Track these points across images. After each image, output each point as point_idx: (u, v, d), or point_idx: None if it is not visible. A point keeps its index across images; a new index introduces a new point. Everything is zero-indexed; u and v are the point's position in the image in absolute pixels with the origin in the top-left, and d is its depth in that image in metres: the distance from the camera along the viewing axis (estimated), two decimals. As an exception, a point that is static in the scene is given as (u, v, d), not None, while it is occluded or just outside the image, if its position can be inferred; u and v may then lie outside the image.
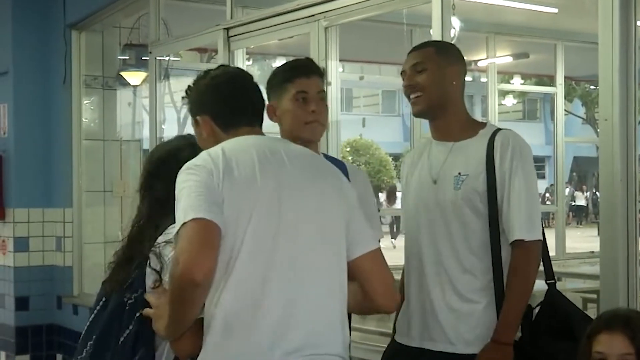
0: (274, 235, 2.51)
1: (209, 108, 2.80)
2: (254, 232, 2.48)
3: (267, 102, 3.01)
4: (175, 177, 2.59)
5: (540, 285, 3.23)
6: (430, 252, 3.25)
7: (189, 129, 3.02)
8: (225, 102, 2.79)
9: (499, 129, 3.21)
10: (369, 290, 2.69)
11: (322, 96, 3.31)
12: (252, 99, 2.83)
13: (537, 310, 3.20)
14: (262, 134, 2.80)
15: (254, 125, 2.79)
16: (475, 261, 3.16)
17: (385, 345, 3.57)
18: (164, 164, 2.98)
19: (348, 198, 2.72)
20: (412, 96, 3.30)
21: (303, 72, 3.29)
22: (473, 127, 3.28)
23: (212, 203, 2.45)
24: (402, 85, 3.35)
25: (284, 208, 2.54)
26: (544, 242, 3.19)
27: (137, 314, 2.78)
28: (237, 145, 2.65)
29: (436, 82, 3.25)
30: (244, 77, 2.88)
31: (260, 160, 2.58)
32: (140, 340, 2.80)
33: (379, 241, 2.87)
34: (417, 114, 3.41)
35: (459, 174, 3.17)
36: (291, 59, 3.45)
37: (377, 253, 2.72)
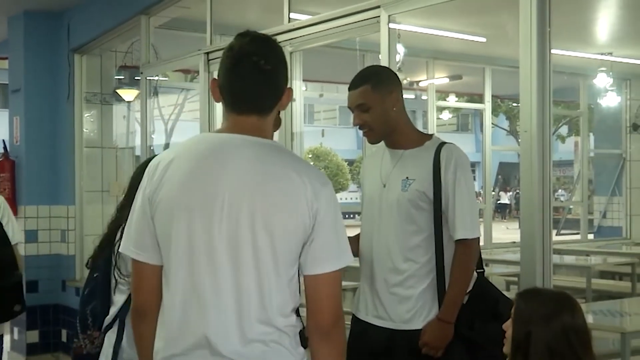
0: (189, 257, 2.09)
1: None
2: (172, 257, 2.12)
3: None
4: None
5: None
6: (379, 244, 3.24)
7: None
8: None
9: (443, 143, 3.19)
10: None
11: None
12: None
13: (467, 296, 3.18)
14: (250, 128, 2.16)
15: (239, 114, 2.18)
16: (418, 252, 3.15)
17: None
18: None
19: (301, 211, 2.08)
20: (363, 131, 3.26)
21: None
22: (420, 138, 3.25)
23: (142, 236, 2.15)
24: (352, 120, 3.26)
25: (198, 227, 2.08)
26: None
27: (95, 274, 3.17)
28: (181, 149, 2.20)
29: (381, 116, 3.18)
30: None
31: (191, 170, 2.11)
32: (95, 293, 3.14)
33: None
34: (372, 144, 3.34)
35: (407, 178, 3.16)
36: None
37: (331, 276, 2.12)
